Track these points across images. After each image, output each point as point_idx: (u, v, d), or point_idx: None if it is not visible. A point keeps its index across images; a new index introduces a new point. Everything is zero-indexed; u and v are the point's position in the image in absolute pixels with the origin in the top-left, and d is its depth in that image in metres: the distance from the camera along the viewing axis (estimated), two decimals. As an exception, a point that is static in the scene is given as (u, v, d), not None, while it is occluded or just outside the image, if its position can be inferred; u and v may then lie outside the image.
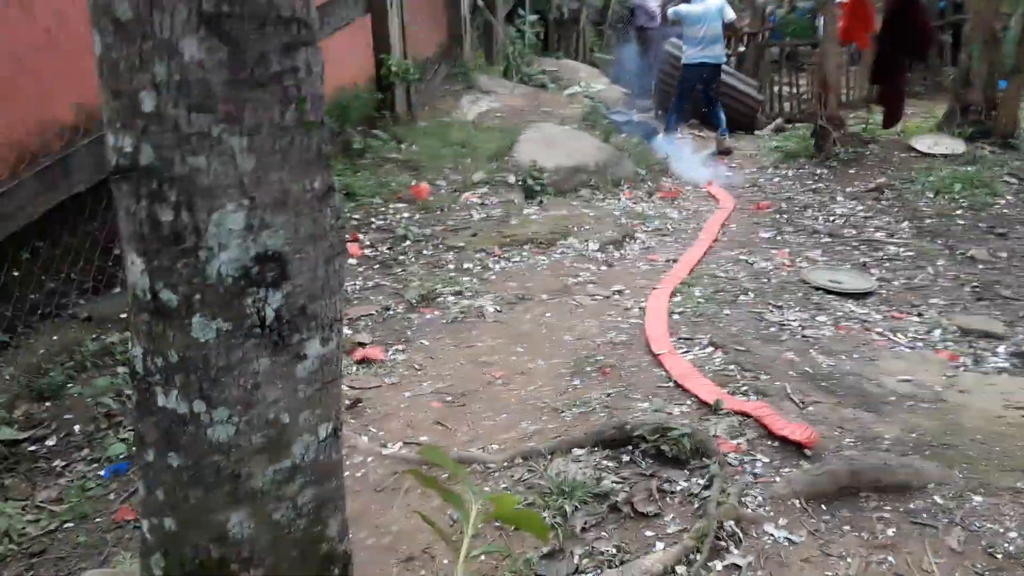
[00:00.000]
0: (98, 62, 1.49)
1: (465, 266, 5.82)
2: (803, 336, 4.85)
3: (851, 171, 8.68)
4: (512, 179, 7.19)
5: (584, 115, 9.78)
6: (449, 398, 4.23)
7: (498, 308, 5.25)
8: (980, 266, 5.94)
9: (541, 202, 6.96)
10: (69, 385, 4.29)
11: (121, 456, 3.77)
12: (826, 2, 9.71)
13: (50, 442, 3.94)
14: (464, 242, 6.10)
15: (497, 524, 3.01)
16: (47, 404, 4.18)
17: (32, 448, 3.90)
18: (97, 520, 3.41)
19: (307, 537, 1.69)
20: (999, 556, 2.96)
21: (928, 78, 13.36)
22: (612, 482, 3.37)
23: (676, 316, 5.08)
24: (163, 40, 1.41)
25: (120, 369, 4.38)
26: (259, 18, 1.45)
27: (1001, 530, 3.10)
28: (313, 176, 1.55)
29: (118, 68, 1.45)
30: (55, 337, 4.62)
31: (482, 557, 2.82)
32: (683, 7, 10.42)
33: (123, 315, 4.76)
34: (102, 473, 3.69)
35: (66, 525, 3.39)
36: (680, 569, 2.91)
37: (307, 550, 1.69)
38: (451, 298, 5.35)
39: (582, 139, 8.47)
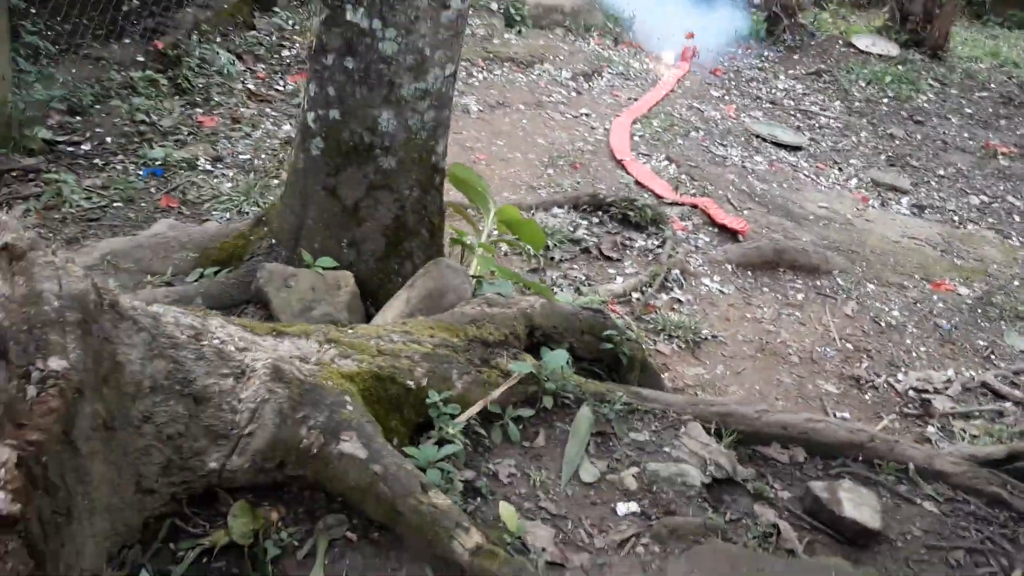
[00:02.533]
0: None
1: (451, 70, 6.33)
2: (743, 166, 5.61)
3: (795, 56, 9.37)
4: (495, 6, 7.64)
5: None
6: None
7: (481, 109, 5.83)
8: (897, 142, 6.78)
9: (520, 31, 7.45)
10: (96, 106, 4.71)
11: (158, 162, 4.27)
12: None
13: (85, 147, 4.40)
14: (449, 51, 6.59)
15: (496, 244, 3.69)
16: (78, 118, 4.60)
17: (70, 149, 4.37)
18: (142, 204, 3.96)
19: (425, 147, 2.32)
20: (881, 324, 3.82)
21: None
22: (584, 232, 4.10)
23: (636, 138, 5.76)
24: None
25: (136, 100, 4.78)
26: None
27: (886, 308, 3.96)
28: None
29: None
30: (74, 71, 4.99)
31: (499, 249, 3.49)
32: None
33: (139, 58, 5.19)
34: (141, 172, 4.20)
35: (115, 204, 3.92)
36: (635, 295, 3.67)
37: (423, 156, 2.33)
38: (438, 93, 5.87)
39: (559, -17, 8.91)
